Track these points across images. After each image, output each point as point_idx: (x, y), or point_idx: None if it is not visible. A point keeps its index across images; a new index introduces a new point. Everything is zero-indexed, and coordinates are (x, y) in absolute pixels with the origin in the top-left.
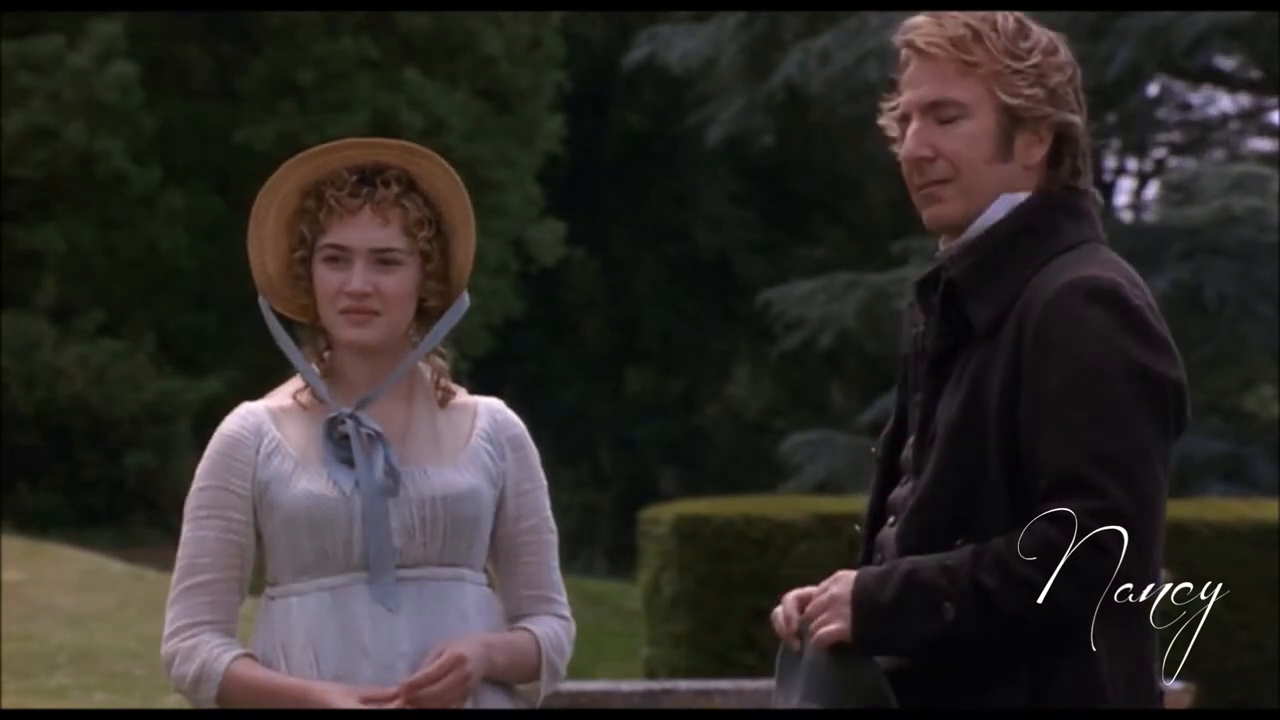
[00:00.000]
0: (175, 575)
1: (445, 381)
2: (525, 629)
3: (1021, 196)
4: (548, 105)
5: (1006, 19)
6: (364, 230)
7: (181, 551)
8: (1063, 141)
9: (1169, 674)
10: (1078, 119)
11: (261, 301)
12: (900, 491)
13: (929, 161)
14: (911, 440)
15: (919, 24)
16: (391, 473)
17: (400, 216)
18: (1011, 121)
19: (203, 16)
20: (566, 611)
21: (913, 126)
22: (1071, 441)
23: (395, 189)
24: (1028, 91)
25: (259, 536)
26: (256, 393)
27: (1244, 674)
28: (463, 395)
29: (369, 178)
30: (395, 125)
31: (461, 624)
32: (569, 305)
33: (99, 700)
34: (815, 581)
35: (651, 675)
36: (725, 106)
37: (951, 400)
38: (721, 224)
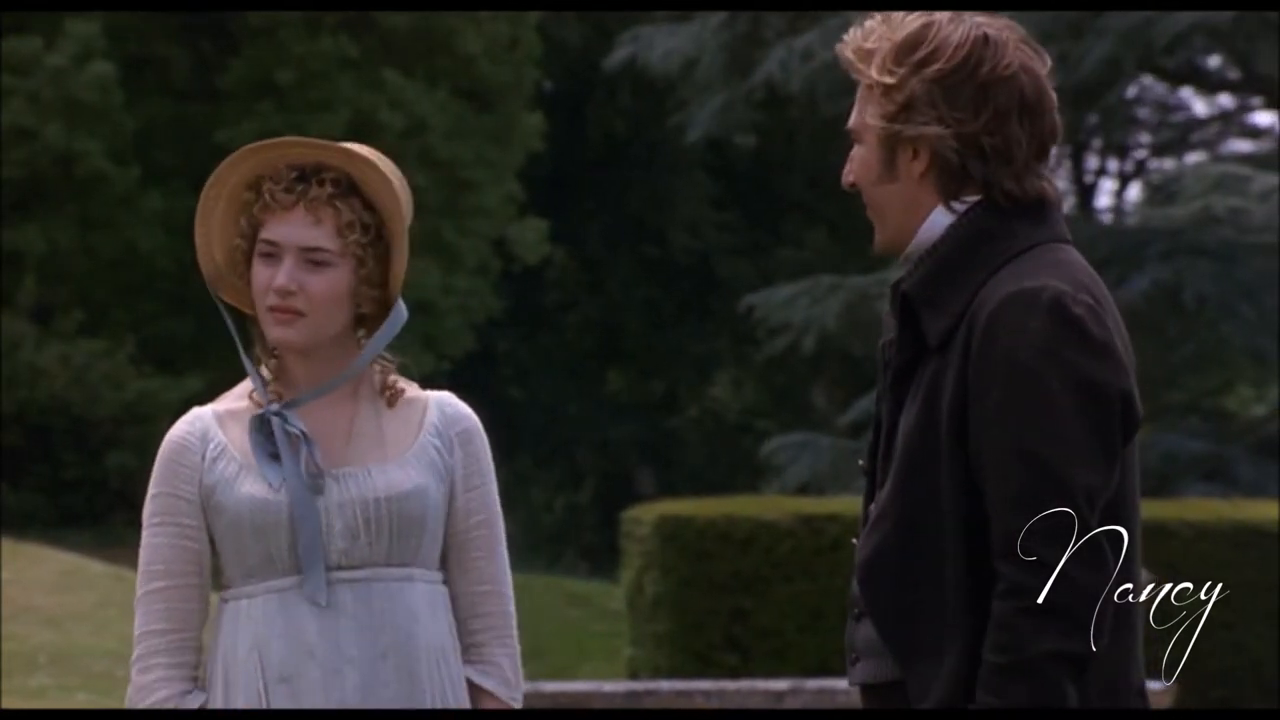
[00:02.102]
0: (137, 583)
1: (393, 379)
2: (486, 691)
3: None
4: (527, 104)
5: (911, 27)
6: (295, 227)
7: (140, 559)
8: (934, 152)
9: (1169, 674)
10: (934, 129)
11: (212, 292)
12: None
13: (855, 188)
14: (880, 453)
15: (853, 30)
16: (315, 471)
17: (333, 217)
18: (888, 140)
19: (182, 16)
20: (511, 612)
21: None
22: (1018, 459)
23: (330, 189)
24: (883, 110)
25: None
26: None
27: (1226, 674)
28: (413, 390)
29: (307, 176)
30: (375, 125)
31: (412, 624)
32: (550, 305)
33: (79, 700)
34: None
35: (634, 675)
36: (706, 104)
37: (909, 413)
38: (702, 226)
